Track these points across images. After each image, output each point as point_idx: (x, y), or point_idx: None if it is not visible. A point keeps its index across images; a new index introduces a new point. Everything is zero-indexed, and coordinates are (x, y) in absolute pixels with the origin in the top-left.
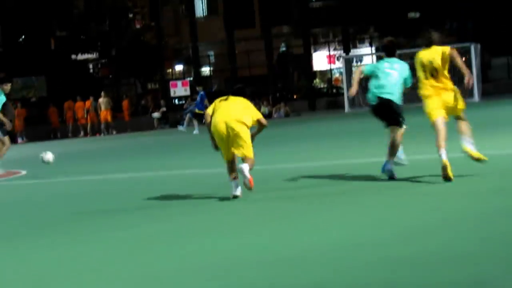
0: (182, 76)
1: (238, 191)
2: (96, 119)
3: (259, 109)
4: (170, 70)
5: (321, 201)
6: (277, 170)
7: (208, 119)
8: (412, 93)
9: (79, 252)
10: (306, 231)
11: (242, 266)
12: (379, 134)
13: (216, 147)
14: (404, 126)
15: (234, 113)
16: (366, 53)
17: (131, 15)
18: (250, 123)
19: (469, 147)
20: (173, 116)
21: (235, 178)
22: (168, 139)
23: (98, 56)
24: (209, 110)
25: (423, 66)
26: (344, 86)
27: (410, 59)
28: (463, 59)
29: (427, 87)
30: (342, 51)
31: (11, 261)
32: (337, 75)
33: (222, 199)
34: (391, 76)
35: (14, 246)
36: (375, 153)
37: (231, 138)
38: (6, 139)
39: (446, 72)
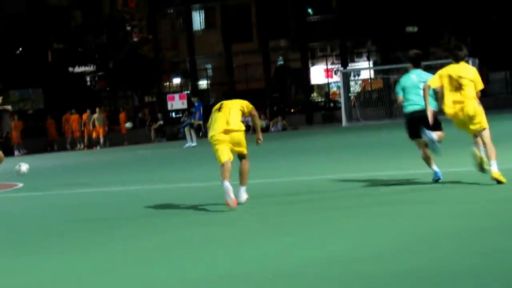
0: (180, 89)
1: (229, 192)
2: (92, 132)
3: None
4: (168, 83)
5: (319, 214)
6: (275, 183)
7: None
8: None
9: (76, 265)
10: (305, 245)
11: (240, 281)
12: (376, 148)
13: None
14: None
15: (231, 122)
16: (364, 67)
17: (128, 28)
18: (243, 126)
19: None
20: (170, 129)
21: (226, 178)
22: (166, 152)
23: (95, 68)
24: (209, 124)
25: (451, 79)
26: (342, 100)
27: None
28: None
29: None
30: (339, 65)
31: (7, 273)
32: (334, 89)
33: (220, 212)
34: (420, 88)
35: (10, 257)
36: (372, 167)
37: (232, 143)
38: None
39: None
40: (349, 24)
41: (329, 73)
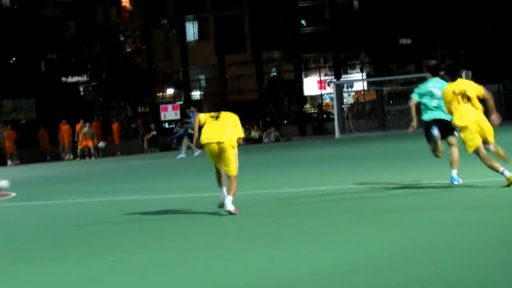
0: (173, 100)
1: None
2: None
3: (249, 134)
4: (161, 93)
5: (313, 226)
6: (268, 194)
7: (196, 125)
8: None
9: (68, 275)
10: (299, 257)
11: None
12: (369, 159)
13: (196, 145)
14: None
15: (226, 136)
16: (357, 78)
17: (122, 39)
18: (235, 143)
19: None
20: (164, 139)
21: (222, 186)
22: (159, 163)
23: (88, 78)
24: (201, 118)
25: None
26: (335, 111)
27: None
28: None
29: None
30: (333, 77)
31: (3, 282)
32: (327, 100)
33: (213, 223)
34: (436, 96)
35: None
36: (365, 178)
37: (222, 157)
38: None
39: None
40: (342, 35)
41: (322, 84)
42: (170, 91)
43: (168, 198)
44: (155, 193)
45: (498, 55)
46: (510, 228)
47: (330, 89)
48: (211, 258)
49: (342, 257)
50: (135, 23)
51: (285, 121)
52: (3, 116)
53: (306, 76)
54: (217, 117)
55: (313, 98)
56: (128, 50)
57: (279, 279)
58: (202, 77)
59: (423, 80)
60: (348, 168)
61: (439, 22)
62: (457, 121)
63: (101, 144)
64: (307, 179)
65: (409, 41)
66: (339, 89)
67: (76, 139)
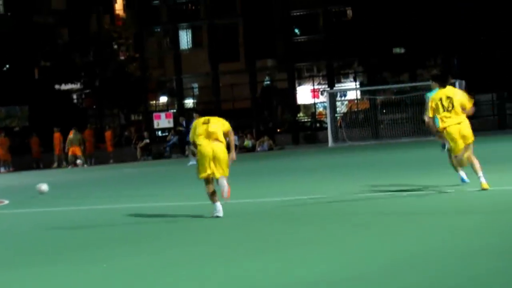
0: (166, 108)
1: (220, 213)
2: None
3: (242, 142)
4: (154, 102)
5: (306, 234)
6: (262, 203)
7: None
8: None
9: (61, 283)
10: (291, 265)
11: None
12: (362, 168)
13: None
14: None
15: (216, 137)
16: (350, 87)
17: (115, 46)
18: (224, 140)
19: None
20: (157, 147)
21: (216, 201)
22: (152, 170)
23: (82, 86)
24: (194, 125)
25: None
26: (328, 120)
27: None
28: None
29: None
30: (326, 86)
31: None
32: (321, 109)
33: (208, 231)
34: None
35: None
36: (358, 187)
37: (216, 160)
38: None
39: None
40: (336, 44)
41: (316, 93)
42: (163, 99)
43: (161, 206)
44: (148, 201)
45: (492, 65)
46: (508, 234)
47: (323, 98)
48: (203, 267)
49: (337, 265)
50: (129, 31)
51: (278, 130)
52: None
53: (299, 84)
54: (207, 122)
55: (306, 106)
56: (122, 58)
57: (273, 286)
58: (196, 85)
59: (414, 90)
60: (341, 176)
61: (433, 31)
62: (441, 126)
63: (44, 187)
64: (300, 188)
65: (402, 50)
66: (332, 98)
67: (68, 147)
